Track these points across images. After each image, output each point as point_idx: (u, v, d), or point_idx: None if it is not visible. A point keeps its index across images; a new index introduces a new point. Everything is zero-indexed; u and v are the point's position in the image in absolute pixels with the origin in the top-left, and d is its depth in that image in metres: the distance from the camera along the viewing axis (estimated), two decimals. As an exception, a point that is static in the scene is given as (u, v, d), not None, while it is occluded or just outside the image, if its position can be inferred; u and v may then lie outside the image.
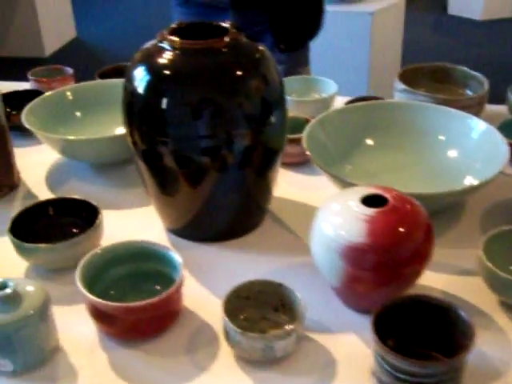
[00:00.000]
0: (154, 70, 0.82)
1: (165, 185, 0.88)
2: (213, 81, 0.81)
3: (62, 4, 4.32)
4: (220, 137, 0.82)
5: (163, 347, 0.74)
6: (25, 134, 1.12)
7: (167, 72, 0.81)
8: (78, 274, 0.74)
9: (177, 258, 0.76)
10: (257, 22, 1.44)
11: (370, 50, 2.88)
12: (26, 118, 1.06)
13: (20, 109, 1.18)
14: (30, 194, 1.04)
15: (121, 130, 1.14)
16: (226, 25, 0.86)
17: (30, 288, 0.71)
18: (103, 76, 1.29)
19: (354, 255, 0.72)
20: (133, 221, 0.97)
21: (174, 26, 0.87)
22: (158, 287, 0.79)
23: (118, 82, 1.17)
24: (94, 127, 1.15)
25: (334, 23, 2.84)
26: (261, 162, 0.87)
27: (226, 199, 0.89)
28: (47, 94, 1.15)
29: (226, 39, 0.82)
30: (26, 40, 4.09)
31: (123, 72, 1.31)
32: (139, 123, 0.84)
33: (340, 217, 0.75)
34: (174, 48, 0.82)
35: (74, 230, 0.90)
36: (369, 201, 0.75)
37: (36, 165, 1.12)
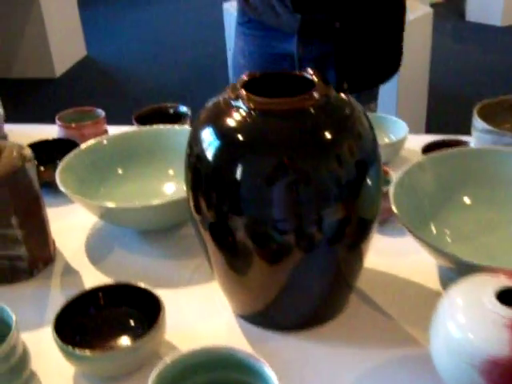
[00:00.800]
0: (226, 134, 0.68)
1: (236, 263, 0.73)
2: (299, 147, 0.66)
3: (72, 23, 4.21)
4: (307, 212, 0.67)
5: None
6: (57, 192, 0.97)
7: (243, 136, 0.67)
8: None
9: (270, 373, 0.61)
10: (321, 53, 1.29)
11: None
12: (60, 179, 0.92)
13: (49, 162, 1.05)
14: (68, 268, 0.90)
15: (168, 186, 1.01)
16: (308, 75, 0.72)
17: None
18: (140, 119, 1.15)
19: (500, 373, 0.57)
20: (193, 302, 0.82)
21: (245, 78, 0.72)
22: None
23: (160, 130, 1.04)
24: (137, 183, 1.01)
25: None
26: (354, 235, 0.72)
27: (310, 280, 0.73)
28: (82, 147, 1.00)
29: (315, 96, 0.67)
30: (36, 60, 3.98)
31: (161, 113, 1.19)
32: (207, 192, 0.70)
33: (471, 318, 0.60)
34: (249, 108, 0.67)
35: (132, 323, 0.75)
36: (505, 296, 0.61)
37: (72, 230, 0.97)
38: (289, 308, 0.76)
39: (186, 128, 1.03)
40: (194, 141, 0.71)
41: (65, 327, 0.71)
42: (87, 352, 0.67)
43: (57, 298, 0.84)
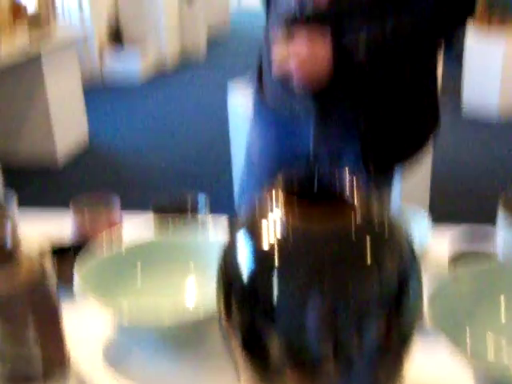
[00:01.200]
0: (264, 252, 0.65)
1: (268, 381, 0.69)
2: (338, 268, 0.63)
3: (76, 111, 4.28)
4: (344, 334, 0.64)
5: None
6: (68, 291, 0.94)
7: (281, 255, 0.64)
8: None
9: None
10: (340, 136, 1.27)
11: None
12: (80, 286, 0.88)
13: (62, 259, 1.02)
14: (83, 373, 0.85)
15: (188, 297, 0.98)
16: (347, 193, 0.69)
17: None
18: (158, 208, 1.13)
19: None
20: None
21: (281, 182, 0.70)
22: None
23: (183, 241, 1.01)
24: (157, 297, 0.97)
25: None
26: (395, 353, 0.68)
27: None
28: (101, 258, 0.96)
29: (358, 216, 0.65)
30: (39, 148, 4.01)
31: (178, 205, 1.17)
32: (241, 308, 0.67)
33: None
34: (290, 223, 0.65)
35: None
36: None
37: (86, 330, 0.93)
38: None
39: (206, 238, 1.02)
40: (229, 254, 0.69)
41: None
42: None
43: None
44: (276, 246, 0.64)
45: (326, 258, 0.63)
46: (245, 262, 0.66)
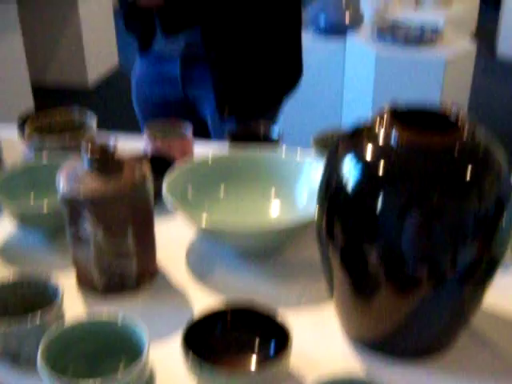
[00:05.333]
0: (368, 164, 0.68)
1: (363, 289, 0.73)
2: (440, 184, 0.66)
3: (106, 34, 4.25)
4: (441, 248, 0.68)
5: None
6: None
7: (386, 168, 0.67)
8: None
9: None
10: (201, 79, 1.38)
11: (440, 99, 2.74)
12: (168, 190, 0.92)
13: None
14: (172, 284, 0.90)
15: (271, 205, 1.02)
16: (453, 111, 0.72)
17: None
18: (233, 136, 1.16)
19: None
20: (304, 325, 0.81)
21: (391, 107, 0.72)
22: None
23: (261, 153, 1.04)
24: (239, 210, 1.01)
25: (402, 70, 2.72)
26: (483, 274, 0.72)
27: (433, 312, 0.73)
28: (187, 165, 1.00)
29: (462, 133, 0.68)
30: (71, 70, 4.01)
31: (253, 133, 1.19)
32: (343, 218, 0.70)
33: None
34: (396, 140, 0.67)
35: (255, 347, 0.75)
36: None
37: (171, 244, 0.97)
38: (405, 337, 0.76)
39: (293, 154, 1.04)
40: (334, 166, 0.71)
41: (190, 345, 0.70)
42: (221, 371, 0.66)
43: (164, 314, 0.84)
44: (382, 158, 0.67)
45: (430, 173, 0.66)
46: (350, 173, 0.69)
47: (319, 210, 0.74)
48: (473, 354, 0.78)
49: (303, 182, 1.01)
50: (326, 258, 0.76)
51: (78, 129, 1.17)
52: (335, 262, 0.74)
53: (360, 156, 0.69)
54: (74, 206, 0.79)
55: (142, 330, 0.69)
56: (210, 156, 1.03)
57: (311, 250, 0.96)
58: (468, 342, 0.79)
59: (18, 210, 0.94)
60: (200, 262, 0.94)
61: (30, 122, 1.15)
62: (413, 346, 0.77)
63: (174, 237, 0.98)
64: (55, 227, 0.98)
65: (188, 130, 1.20)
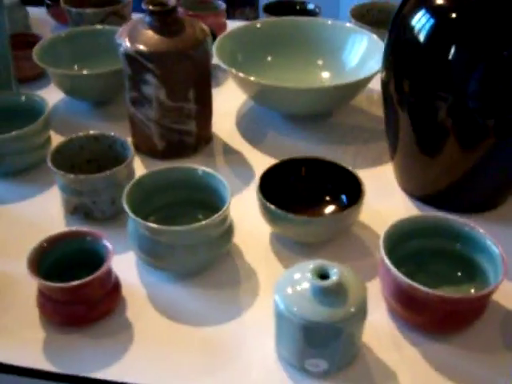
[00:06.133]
0: (438, 14, 0.68)
1: (429, 144, 0.75)
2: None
3: None
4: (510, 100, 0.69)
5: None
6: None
7: (456, 17, 0.67)
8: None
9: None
10: None
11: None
12: (219, 56, 0.91)
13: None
14: (228, 147, 0.90)
15: (322, 73, 1.01)
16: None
17: (350, 278, 0.58)
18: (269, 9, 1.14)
19: None
20: (367, 182, 0.83)
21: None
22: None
23: (310, 20, 1.03)
24: (288, 69, 1.01)
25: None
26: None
27: (495, 167, 0.75)
28: (236, 28, 0.99)
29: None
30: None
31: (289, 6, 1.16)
32: (412, 72, 0.71)
33: None
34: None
35: (327, 197, 0.77)
36: None
37: (222, 111, 0.96)
38: (464, 192, 0.79)
39: (340, 22, 1.03)
40: (402, 19, 0.71)
41: (265, 194, 0.72)
42: (297, 216, 0.68)
43: (225, 176, 0.85)
44: (454, 10, 0.67)
45: (502, 24, 0.66)
46: (421, 27, 0.69)
47: (386, 69, 0.75)
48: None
49: (351, 49, 1.00)
50: (391, 118, 0.77)
51: (113, 3, 1.14)
52: (403, 120, 0.75)
53: (431, 9, 0.69)
54: (137, 64, 0.78)
55: (222, 179, 0.70)
56: (260, 21, 1.02)
57: (360, 116, 0.98)
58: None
59: (66, 80, 0.93)
60: (252, 129, 0.95)
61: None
62: (469, 201, 0.80)
63: (222, 107, 0.98)
64: (103, 97, 0.97)
65: (221, 4, 1.18)
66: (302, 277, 0.57)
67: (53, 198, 0.80)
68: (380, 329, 0.64)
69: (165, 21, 0.78)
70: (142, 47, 0.77)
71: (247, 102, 1.00)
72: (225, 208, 0.66)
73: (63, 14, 1.17)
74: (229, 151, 0.90)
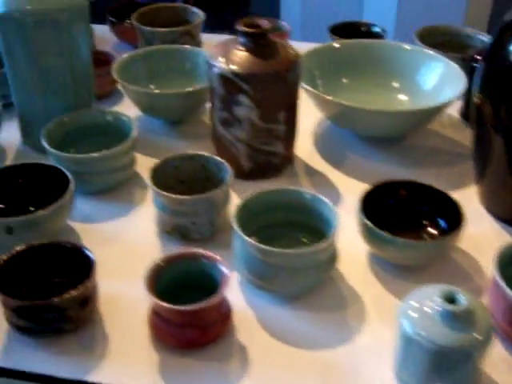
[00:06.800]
0: None
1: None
2: None
3: None
4: None
5: None
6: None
7: None
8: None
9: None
10: None
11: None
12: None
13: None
14: (309, 168, 0.91)
15: (395, 98, 1.01)
16: None
17: (475, 303, 0.57)
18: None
19: None
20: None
21: None
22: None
23: (387, 43, 1.04)
24: (364, 92, 1.02)
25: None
26: None
27: None
28: (312, 48, 1.00)
29: None
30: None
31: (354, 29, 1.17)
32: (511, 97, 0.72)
33: None
34: None
35: (424, 221, 0.77)
36: None
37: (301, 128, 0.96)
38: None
39: (417, 47, 1.04)
40: (502, 46, 0.73)
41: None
42: (402, 239, 0.68)
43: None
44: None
45: None
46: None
47: (482, 94, 0.76)
48: None
49: (427, 73, 1.01)
50: (483, 141, 0.78)
51: (182, 23, 1.14)
52: (496, 143, 0.76)
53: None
54: (232, 85, 0.78)
55: (329, 203, 0.70)
56: (338, 42, 1.03)
57: (436, 139, 0.98)
58: None
59: (145, 99, 0.94)
60: (330, 149, 0.95)
61: (137, 16, 1.12)
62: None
63: (300, 127, 0.98)
64: (180, 116, 0.97)
65: (285, 25, 1.19)
66: (428, 301, 0.57)
67: (143, 216, 0.81)
68: (495, 354, 0.63)
69: (259, 42, 0.79)
70: (238, 68, 0.78)
71: (322, 121, 1.00)
72: (334, 232, 0.66)
73: (127, 31, 1.18)
74: (311, 172, 0.90)
